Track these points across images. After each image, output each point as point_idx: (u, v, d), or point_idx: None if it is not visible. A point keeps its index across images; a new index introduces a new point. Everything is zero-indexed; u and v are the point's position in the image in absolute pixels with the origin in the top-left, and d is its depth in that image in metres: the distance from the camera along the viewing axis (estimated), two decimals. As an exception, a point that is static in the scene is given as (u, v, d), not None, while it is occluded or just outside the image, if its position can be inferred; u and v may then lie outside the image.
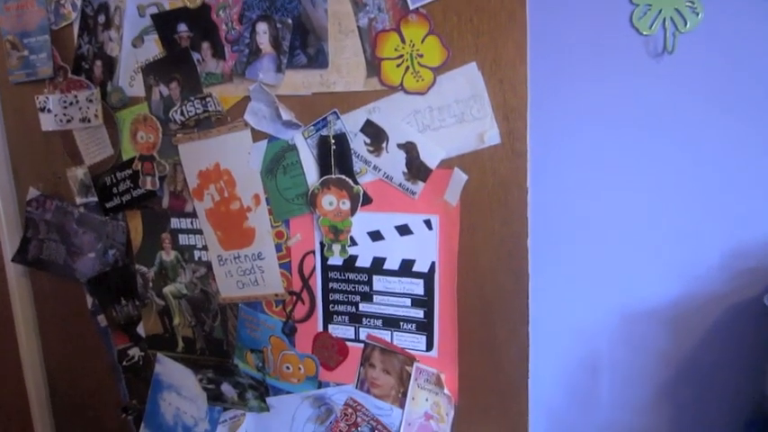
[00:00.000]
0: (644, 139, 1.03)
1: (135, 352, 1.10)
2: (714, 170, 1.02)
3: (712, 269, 1.05)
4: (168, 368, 1.07)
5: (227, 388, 1.02)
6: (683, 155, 1.03)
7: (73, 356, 1.19)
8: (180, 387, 1.07)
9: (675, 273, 1.07)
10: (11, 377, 1.23)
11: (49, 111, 1.00)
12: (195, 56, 0.87)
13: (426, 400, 0.89)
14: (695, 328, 1.09)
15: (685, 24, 0.97)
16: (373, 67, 0.80)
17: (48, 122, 1.01)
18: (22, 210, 1.12)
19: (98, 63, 0.95)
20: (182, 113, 0.90)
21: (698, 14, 0.93)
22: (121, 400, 1.14)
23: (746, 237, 1.03)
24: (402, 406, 0.90)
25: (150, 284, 1.03)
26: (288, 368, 0.96)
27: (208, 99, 0.88)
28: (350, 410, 0.94)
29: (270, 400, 0.99)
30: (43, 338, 1.21)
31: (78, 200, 1.04)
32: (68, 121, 1.00)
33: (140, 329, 1.08)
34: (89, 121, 0.98)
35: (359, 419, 0.94)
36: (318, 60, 0.81)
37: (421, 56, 0.77)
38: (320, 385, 0.95)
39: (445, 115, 0.79)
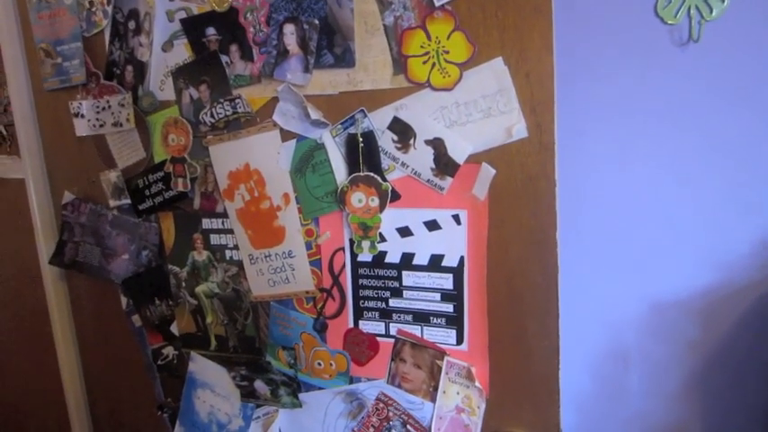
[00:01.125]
0: (671, 130, 1.03)
1: (169, 351, 1.13)
2: (742, 159, 1.01)
3: (742, 258, 1.04)
4: (202, 366, 1.09)
5: (259, 385, 1.04)
6: (710, 144, 1.02)
7: (109, 356, 1.22)
8: (214, 385, 1.09)
9: (705, 262, 1.06)
10: (48, 377, 1.27)
11: (82, 116, 1.03)
12: (224, 58, 0.89)
13: (457, 393, 0.90)
14: (725, 318, 1.08)
15: (711, 12, 0.96)
16: (400, 64, 0.81)
17: (81, 128, 1.04)
18: (58, 213, 1.15)
19: (129, 68, 0.98)
20: (211, 115, 0.92)
21: (723, 2, 0.92)
22: (157, 399, 1.17)
23: (777, 226, 1.02)
24: (433, 400, 0.91)
25: (183, 284, 1.05)
26: (319, 364, 0.97)
27: (237, 101, 0.90)
28: (381, 405, 0.95)
29: (302, 396, 1.01)
30: (80, 339, 1.25)
31: (112, 202, 1.07)
32: (101, 125, 1.02)
33: (174, 329, 1.10)
34: (121, 125, 1.00)
35: (390, 414, 0.95)
36: (345, 60, 0.82)
37: (447, 52, 0.78)
38: (351, 381, 0.96)
39: (472, 110, 0.79)
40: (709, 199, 1.04)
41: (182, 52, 0.93)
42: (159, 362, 1.14)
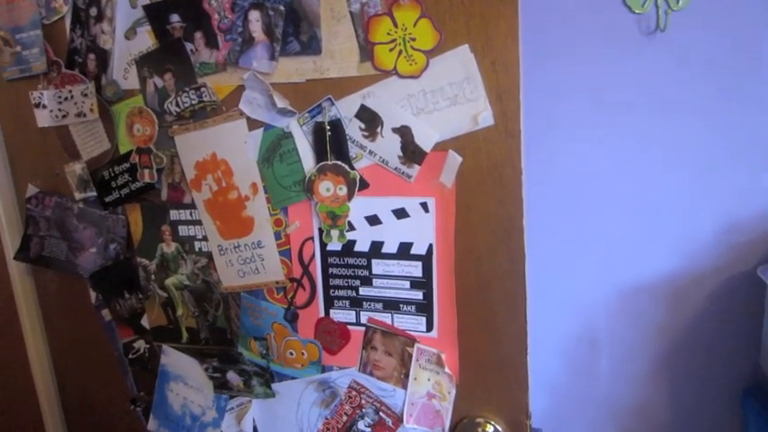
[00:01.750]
0: (636, 118, 1.04)
1: (140, 344, 1.12)
2: (706, 147, 1.04)
3: (706, 244, 1.07)
4: (174, 359, 1.08)
5: (232, 376, 1.03)
6: (675, 133, 1.04)
7: (80, 351, 1.20)
8: (186, 377, 1.08)
9: (670, 248, 1.09)
10: (19, 374, 1.25)
11: (44, 106, 1.00)
12: (188, 46, 0.88)
13: (428, 379, 0.90)
14: (691, 302, 1.11)
15: (677, 2, 0.98)
16: (366, 52, 0.80)
17: (43, 118, 1.01)
18: (22, 207, 1.12)
19: (91, 57, 0.95)
20: (177, 105, 0.91)
21: (687, -9, 0.93)
22: (129, 393, 1.16)
23: (738, 211, 1.05)
24: (405, 387, 0.92)
25: (152, 277, 1.04)
26: (291, 354, 0.97)
27: (202, 89, 0.89)
28: (354, 393, 0.96)
29: (275, 386, 1.01)
30: (49, 335, 1.23)
31: (77, 195, 1.05)
32: (64, 116, 1.00)
33: (144, 322, 1.09)
34: (85, 115, 0.98)
35: (363, 401, 0.96)
36: (312, 47, 0.82)
37: (413, 39, 0.78)
38: (324, 369, 0.97)
39: (439, 98, 0.79)
40: (674, 186, 1.06)
41: (145, 40, 0.91)
42: (131, 356, 1.13)
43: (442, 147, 0.81)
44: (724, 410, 1.14)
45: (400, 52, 0.79)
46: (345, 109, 0.83)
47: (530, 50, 0.81)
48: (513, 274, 0.83)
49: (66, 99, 0.99)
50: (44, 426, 1.25)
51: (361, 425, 0.97)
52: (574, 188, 1.09)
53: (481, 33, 0.76)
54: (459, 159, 0.80)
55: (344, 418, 0.98)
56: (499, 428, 0.90)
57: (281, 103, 0.84)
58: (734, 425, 1.13)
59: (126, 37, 0.92)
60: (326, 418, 0.99)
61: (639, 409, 1.18)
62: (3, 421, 1.34)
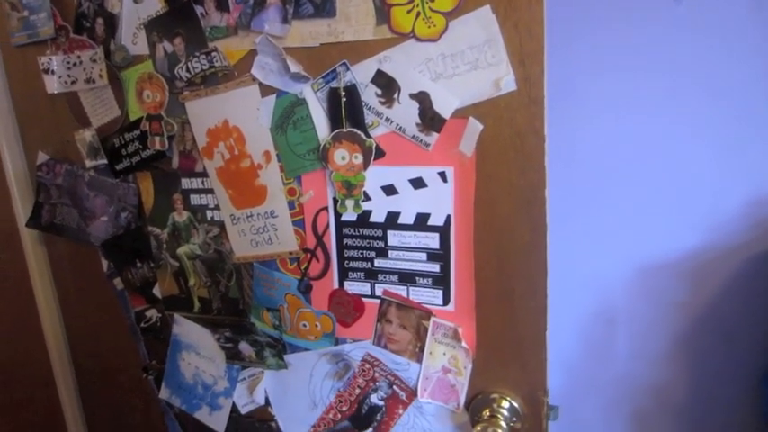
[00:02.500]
0: (663, 86, 1.00)
1: (152, 313, 1.11)
2: (735, 118, 0.99)
3: (732, 219, 1.03)
4: (186, 328, 1.08)
5: (244, 346, 1.03)
6: (703, 103, 1.00)
7: (92, 320, 1.20)
8: (198, 347, 1.08)
9: (694, 223, 1.05)
10: (33, 343, 1.25)
11: (52, 72, 0.98)
12: (198, 9, 0.85)
13: (444, 354, 0.89)
14: (714, 280, 1.08)
15: (710, -39, 0.92)
16: (383, 14, 0.77)
17: (52, 85, 0.99)
18: (33, 175, 1.11)
19: (99, 21, 0.93)
20: (187, 70, 0.88)
21: (724, -52, 0.88)
22: (141, 361, 1.16)
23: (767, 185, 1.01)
24: (419, 360, 0.90)
25: (164, 246, 1.03)
26: (305, 325, 0.96)
27: (213, 54, 0.86)
28: (367, 366, 0.95)
29: (288, 357, 1.00)
30: (62, 303, 1.23)
31: (88, 163, 1.04)
32: (73, 82, 0.98)
33: (156, 291, 1.08)
34: (94, 81, 0.96)
35: (376, 374, 0.95)
36: (326, 9, 0.78)
37: (432, 0, 0.74)
38: (337, 342, 0.95)
39: (459, 62, 0.76)
40: (700, 159, 1.02)
41: (154, 3, 0.88)
42: (143, 324, 1.12)
43: (461, 114, 0.77)
44: (743, 392, 1.11)
45: (418, 14, 0.75)
46: (361, 74, 0.80)
47: (554, 12, 0.77)
48: (533, 246, 0.80)
49: (74, 65, 0.97)
50: (57, 392, 1.26)
51: (374, 398, 0.96)
52: (595, 159, 1.05)
53: (504, -7, 0.73)
54: (480, 127, 0.77)
55: (357, 390, 0.97)
56: (515, 404, 0.88)
57: (294, 68, 0.81)
58: (752, 407, 1.11)
59: (134, 0, 0.90)
60: (339, 391, 0.98)
61: (656, 388, 1.16)
62: (17, 388, 1.36)
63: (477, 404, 0.89)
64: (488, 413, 0.88)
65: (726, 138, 1.00)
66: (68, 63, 0.97)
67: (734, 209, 1.02)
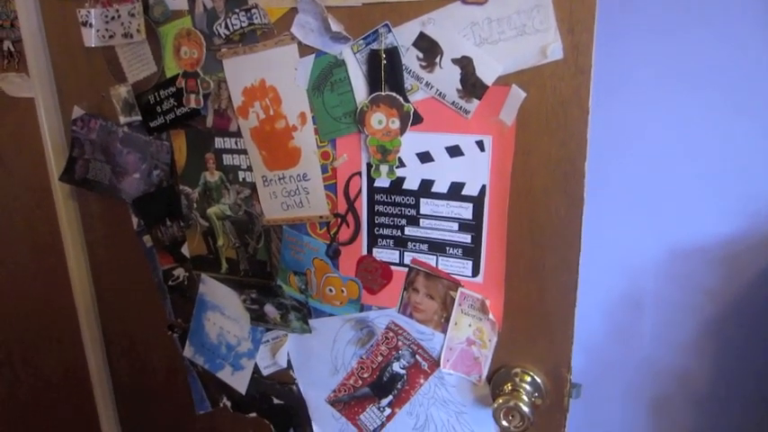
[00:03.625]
0: (711, 65, 0.97)
1: (180, 272, 1.12)
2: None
3: (771, 207, 1.00)
4: (212, 288, 1.09)
5: (270, 309, 1.03)
6: (740, 82, 0.96)
7: (120, 276, 1.22)
8: (224, 307, 1.09)
9: (731, 210, 1.03)
10: (60, 296, 1.28)
11: (91, 25, 0.98)
12: (241, -36, 0.84)
13: (469, 325, 0.88)
14: (746, 269, 1.06)
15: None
16: (429, -26, 0.75)
17: (90, 38, 0.99)
18: (68, 129, 1.12)
19: (141, -27, 0.92)
20: (226, 27, 0.87)
21: None
22: (167, 319, 1.18)
23: (813, 173, 0.97)
24: (444, 331, 0.90)
25: (194, 205, 1.03)
26: (331, 291, 0.96)
27: (253, 11, 0.85)
28: (391, 334, 0.95)
29: (312, 321, 1.00)
30: (91, 258, 1.25)
31: (122, 119, 1.04)
32: (111, 36, 0.98)
33: (185, 250, 1.09)
34: (131, 36, 0.96)
35: (400, 343, 0.95)
36: (371, -33, 0.77)
37: (482, -39, 0.72)
38: (362, 309, 0.96)
39: (505, 27, 0.74)
40: (738, 142, 0.99)
41: (196, -43, 0.87)
42: (170, 283, 1.14)
43: (504, 81, 0.76)
44: (766, 386, 1.09)
45: (466, -24, 0.73)
46: (403, 37, 0.79)
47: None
48: (569, 221, 0.79)
49: (113, 18, 0.97)
50: (83, 347, 1.29)
51: (396, 366, 0.96)
52: (634, 137, 1.03)
53: (557, -43, 0.70)
54: (523, 95, 0.75)
55: (380, 358, 0.97)
56: (538, 380, 0.88)
57: (335, 27, 0.80)
58: (778, 398, 1.09)
59: (176, -47, 0.89)
60: (361, 357, 0.99)
61: (679, 375, 1.15)
62: (44, 339, 1.39)
63: (499, 378, 0.89)
64: (510, 387, 0.88)
65: (765, 119, 0.96)
66: (107, 16, 0.97)
67: (775, 195, 0.99)
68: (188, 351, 1.16)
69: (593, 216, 1.06)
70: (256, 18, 0.85)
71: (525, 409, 0.84)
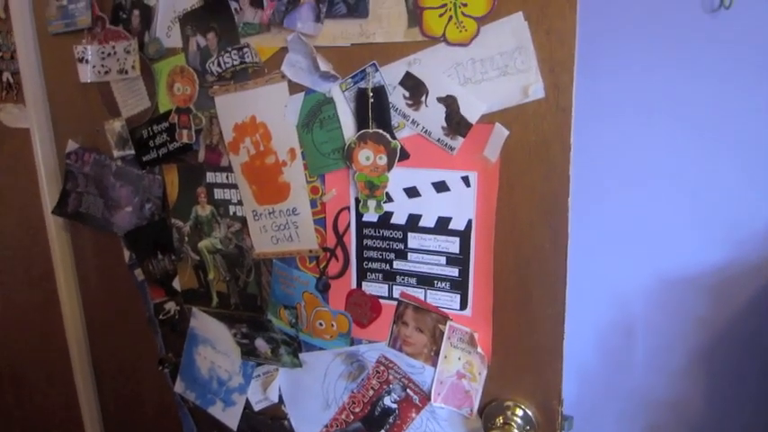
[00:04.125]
0: (693, 100, 0.99)
1: (171, 306, 1.12)
2: (762, 130, 0.98)
3: (758, 235, 1.02)
4: (203, 322, 1.09)
5: (260, 343, 1.03)
6: (733, 117, 0.99)
7: (112, 309, 1.22)
8: (215, 341, 1.09)
9: (719, 238, 1.04)
10: (52, 328, 1.28)
11: (87, 61, 1.00)
12: (233, 5, 0.86)
13: (459, 359, 0.89)
14: (736, 296, 1.06)
15: (745, -24, 0.92)
16: (415, 16, 0.77)
17: (86, 73, 1.01)
18: (62, 162, 1.13)
19: (135, 13, 0.94)
20: (218, 65, 0.90)
21: (760, -36, 0.87)
22: (158, 353, 1.17)
23: (796, 203, 0.99)
24: (434, 364, 0.90)
25: (186, 239, 1.04)
26: (321, 324, 0.97)
27: (245, 50, 0.87)
28: (382, 368, 0.95)
29: (303, 355, 1.00)
30: (83, 292, 1.25)
31: (116, 153, 1.05)
32: (106, 72, 1.00)
33: (176, 284, 1.09)
34: (126, 72, 0.98)
35: (391, 377, 0.95)
36: (358, 10, 0.79)
37: (465, 5, 0.75)
38: (353, 342, 0.96)
39: (488, 68, 0.76)
40: (727, 172, 1.01)
41: (190, -2, 0.90)
42: (161, 317, 1.14)
43: (488, 119, 0.78)
44: (759, 410, 1.09)
45: (450, 18, 0.76)
46: (390, 76, 0.81)
47: (585, 22, 0.77)
48: (554, 254, 0.80)
49: (109, 55, 0.99)
50: (74, 379, 1.28)
51: (387, 400, 0.96)
52: (619, 168, 1.04)
53: (537, 0, 0.73)
54: (506, 133, 0.77)
55: (371, 392, 0.97)
56: (529, 413, 0.88)
57: (324, 66, 0.82)
58: (770, 427, 1.09)
59: (170, -6, 0.91)
60: (353, 392, 0.98)
61: (673, 403, 1.14)
62: (34, 371, 1.38)
63: (490, 411, 0.89)
64: (502, 420, 0.87)
65: (755, 152, 0.98)
66: (103, 53, 0.99)
67: (760, 225, 1.00)
68: (179, 386, 1.16)
69: (582, 247, 1.07)
70: (248, 57, 0.88)
71: (515, 443, 0.83)
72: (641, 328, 1.11)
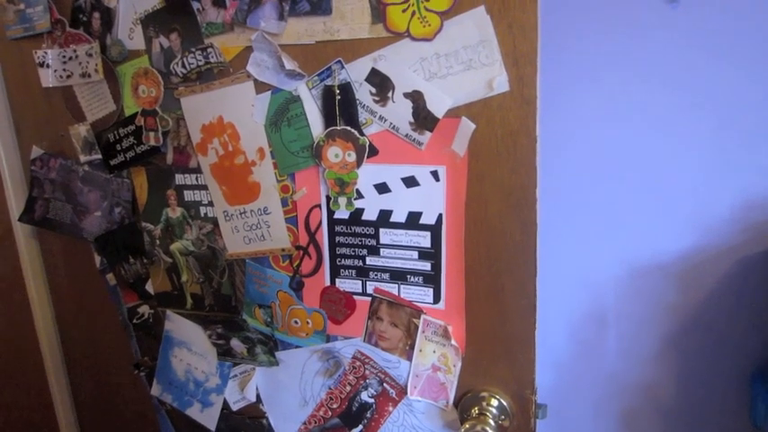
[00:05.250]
0: (656, 89, 1.01)
1: (145, 309, 1.11)
2: (728, 122, 1.00)
3: (723, 222, 1.04)
4: (178, 325, 1.08)
5: (236, 343, 1.03)
6: (695, 105, 1.01)
7: (85, 316, 1.20)
8: (190, 343, 1.08)
9: (685, 225, 1.06)
10: (25, 337, 1.25)
11: (48, 66, 0.98)
12: (195, 5, 0.85)
13: (434, 351, 0.89)
14: (704, 282, 1.09)
15: (702, -34, 0.93)
16: (378, 12, 0.77)
17: (47, 78, 0.99)
18: (27, 169, 1.11)
19: (96, 15, 0.93)
20: (183, 66, 0.89)
21: (716, -46, 0.89)
22: (133, 357, 1.16)
23: (759, 189, 1.02)
24: (409, 358, 0.91)
25: (157, 242, 1.03)
26: (296, 323, 0.96)
27: (209, 50, 0.86)
28: (358, 363, 0.95)
29: (279, 354, 1.00)
30: (54, 298, 1.23)
31: (82, 158, 1.04)
32: (68, 76, 0.98)
33: (149, 287, 1.08)
34: (89, 76, 0.96)
35: (367, 372, 0.95)
36: (322, 7, 0.79)
37: (427, 0, 0.75)
38: (328, 339, 0.96)
39: (452, 62, 0.76)
40: (692, 161, 1.03)
41: (151, -2, 0.89)
42: (135, 320, 1.12)
43: (454, 113, 0.78)
44: (731, 392, 1.12)
45: (413, 13, 0.76)
46: (356, 72, 0.81)
47: (548, 16, 0.78)
48: (523, 246, 0.81)
49: (70, 59, 0.97)
50: (49, 388, 1.26)
51: (364, 395, 0.97)
52: (586, 160, 1.06)
53: (499, -6, 0.73)
54: (473, 126, 0.77)
55: (348, 388, 0.97)
56: (504, 403, 0.89)
57: (289, 64, 0.81)
58: (741, 407, 1.12)
59: (131, -6, 0.90)
60: (330, 388, 0.98)
61: (645, 388, 1.17)
62: (8, 383, 1.35)
63: (466, 402, 0.90)
64: (477, 411, 0.89)
65: (717, 141, 1.01)
66: (64, 57, 0.97)
67: (724, 212, 1.03)
68: (156, 389, 1.15)
69: (553, 237, 1.09)
70: (212, 57, 0.87)
71: (491, 432, 0.84)
72: (613, 316, 1.13)
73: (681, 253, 1.08)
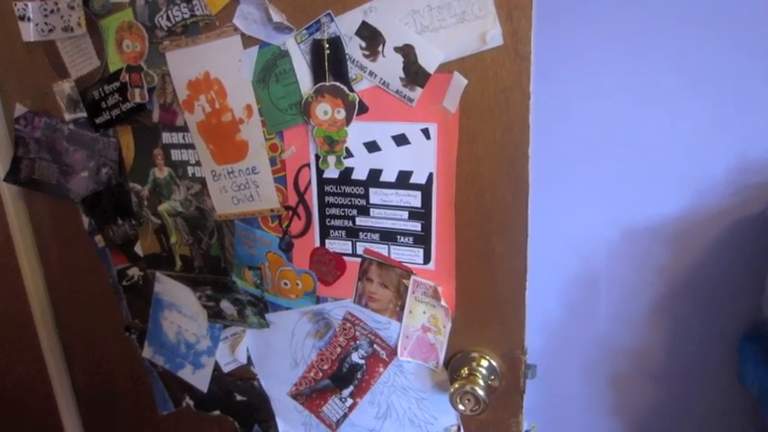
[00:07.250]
0: (651, 48, 0.99)
1: (134, 272, 1.10)
2: (721, 83, 0.99)
3: (716, 184, 1.04)
4: (168, 287, 1.07)
5: (226, 305, 1.02)
6: (688, 68, 0.99)
7: (74, 278, 1.19)
8: (180, 305, 1.08)
9: (678, 187, 1.06)
10: (15, 302, 1.24)
11: (29, 19, 0.95)
12: (179, -46, 0.82)
13: (424, 312, 0.89)
14: (696, 244, 1.09)
15: None
16: (368, -38, 0.74)
17: (29, 32, 0.96)
18: (11, 127, 1.09)
19: (76, -35, 0.89)
20: (168, 19, 0.86)
21: None
22: (124, 320, 1.16)
23: (752, 151, 1.01)
24: (399, 319, 0.91)
25: (145, 203, 1.02)
26: (286, 284, 0.96)
27: (194, 2, 0.83)
28: (348, 325, 0.95)
29: (269, 316, 1.00)
30: (44, 261, 1.21)
31: (67, 116, 1.01)
32: (50, 30, 0.95)
33: (138, 249, 1.07)
34: (72, 30, 0.93)
35: (357, 333, 0.95)
36: (310, -44, 0.76)
37: (419, -51, 0.72)
38: (318, 300, 0.95)
39: (445, 14, 0.74)
40: (684, 123, 1.02)
41: (133, -52, 0.85)
42: (124, 283, 1.12)
43: (446, 68, 0.76)
44: (721, 356, 1.13)
45: (405, -37, 0.73)
46: (345, 26, 0.78)
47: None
48: (515, 206, 0.80)
49: (51, 12, 0.94)
50: (42, 352, 1.26)
51: (354, 356, 0.97)
52: (579, 121, 1.04)
53: (493, -57, 0.70)
54: (465, 82, 0.76)
55: (338, 349, 0.97)
56: (494, 363, 0.89)
57: (277, 17, 0.79)
58: (730, 371, 1.13)
59: (113, -56, 0.86)
60: (320, 349, 0.99)
61: (636, 351, 1.18)
62: (1, 347, 1.35)
63: (456, 363, 0.90)
64: (467, 371, 0.89)
65: (709, 103, 0.99)
66: (45, 10, 0.94)
67: (717, 174, 1.02)
68: (147, 352, 1.15)
69: (545, 199, 1.08)
70: (198, 9, 0.84)
71: (480, 392, 0.85)
72: (604, 279, 1.13)
73: (673, 216, 1.07)
